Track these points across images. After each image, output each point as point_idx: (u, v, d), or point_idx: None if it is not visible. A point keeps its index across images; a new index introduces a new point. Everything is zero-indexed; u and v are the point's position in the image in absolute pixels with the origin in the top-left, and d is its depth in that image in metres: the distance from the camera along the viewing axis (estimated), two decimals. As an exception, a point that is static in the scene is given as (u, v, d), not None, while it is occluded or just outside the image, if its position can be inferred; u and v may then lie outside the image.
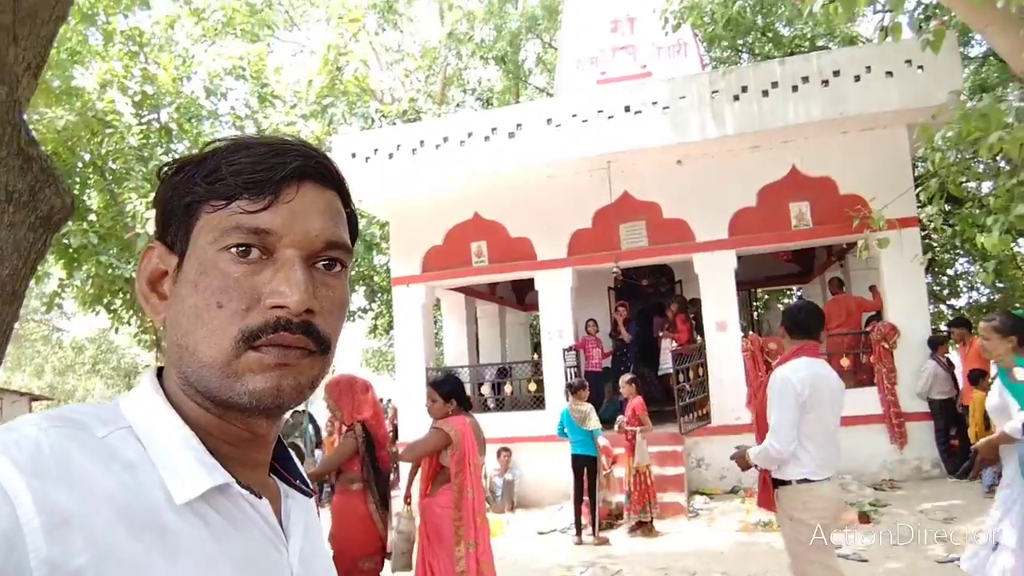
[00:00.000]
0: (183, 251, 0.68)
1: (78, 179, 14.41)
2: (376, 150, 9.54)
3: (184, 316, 0.66)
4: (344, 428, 3.89)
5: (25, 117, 2.82)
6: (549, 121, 8.91)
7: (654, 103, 8.62)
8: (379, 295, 17.75)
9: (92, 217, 14.45)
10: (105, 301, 15.81)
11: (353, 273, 17.59)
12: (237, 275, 0.65)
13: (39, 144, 2.53)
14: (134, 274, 11.45)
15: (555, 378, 9.38)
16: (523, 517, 8.66)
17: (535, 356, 11.89)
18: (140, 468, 0.61)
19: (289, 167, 0.66)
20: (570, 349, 9.47)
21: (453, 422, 3.93)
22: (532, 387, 9.84)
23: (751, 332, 10.32)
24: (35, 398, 12.33)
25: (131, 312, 17.25)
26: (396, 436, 11.31)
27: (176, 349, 0.67)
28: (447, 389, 4.03)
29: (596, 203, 9.39)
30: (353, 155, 9.65)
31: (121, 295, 15.94)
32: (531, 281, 10.06)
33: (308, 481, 0.82)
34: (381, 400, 13.82)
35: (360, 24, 15.76)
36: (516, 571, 6.24)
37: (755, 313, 15.48)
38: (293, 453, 0.81)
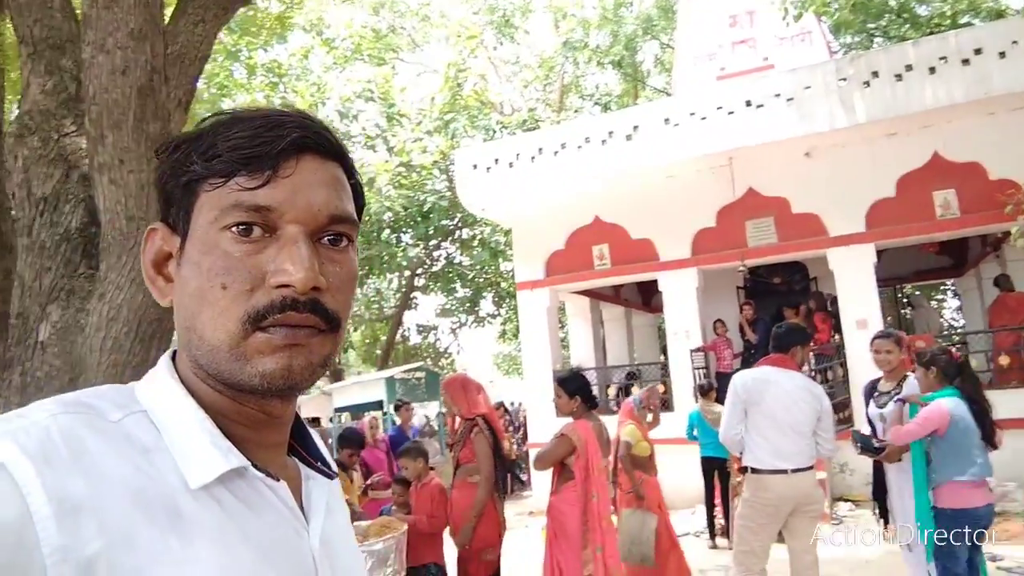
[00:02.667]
0: (185, 231, 0.66)
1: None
2: (496, 160, 9.80)
3: (189, 299, 0.65)
4: (461, 423, 4.09)
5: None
6: (667, 121, 8.82)
7: (777, 95, 8.33)
8: (506, 301, 18.14)
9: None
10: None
11: (481, 280, 18.10)
12: (239, 255, 0.63)
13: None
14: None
15: (682, 380, 9.23)
16: (654, 521, 8.57)
17: (663, 358, 11.75)
18: (155, 452, 0.61)
19: (287, 139, 0.64)
20: (698, 350, 9.29)
21: (577, 428, 3.98)
22: (659, 389, 9.73)
23: (898, 330, 9.72)
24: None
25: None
26: (526, 438, 11.53)
27: (185, 332, 0.66)
28: (572, 387, 4.12)
29: (719, 201, 9.19)
30: (474, 166, 9.95)
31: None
32: (657, 282, 9.97)
33: (330, 463, 0.79)
34: (513, 403, 14.08)
35: (478, 40, 16.22)
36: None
37: (904, 311, 14.49)
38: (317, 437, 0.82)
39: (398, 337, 19.73)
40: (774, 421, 3.96)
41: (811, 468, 4.01)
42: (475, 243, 15.82)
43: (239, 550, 0.60)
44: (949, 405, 3.78)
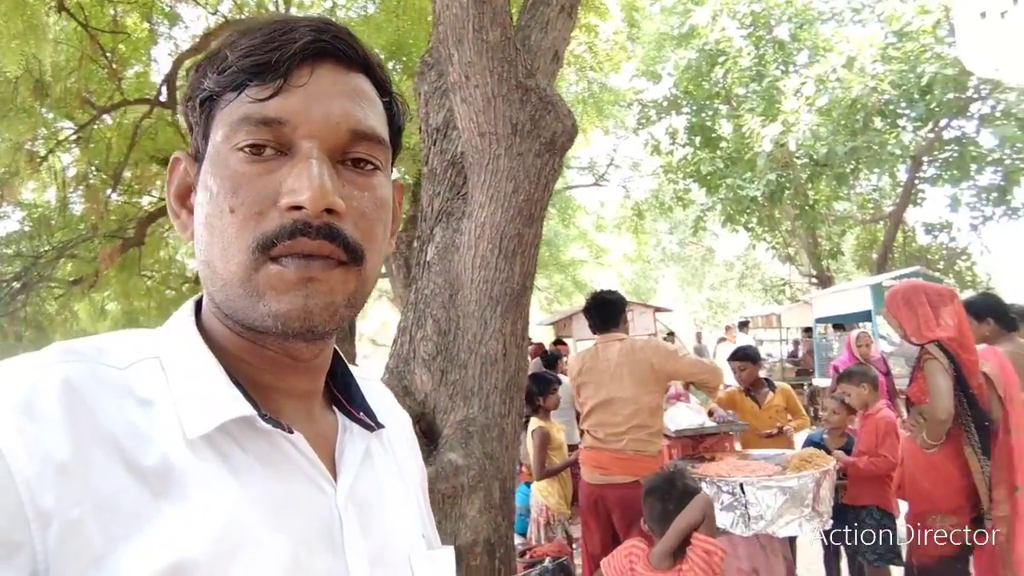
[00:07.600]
0: (203, 157, 0.61)
1: (709, 112, 15.64)
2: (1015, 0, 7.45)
3: (202, 228, 0.59)
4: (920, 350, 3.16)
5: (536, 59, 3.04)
6: None
7: None
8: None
9: (723, 144, 15.48)
10: (743, 220, 16.92)
11: (1011, 162, 14.45)
12: (249, 175, 0.57)
13: (536, 76, 2.69)
14: (756, 193, 11.60)
15: None
16: None
17: None
18: (156, 403, 0.56)
19: (299, 43, 0.58)
20: None
21: (987, 357, 3.19)
22: None
23: None
24: (658, 310, 14.05)
25: (764, 229, 18.06)
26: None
27: (202, 267, 0.60)
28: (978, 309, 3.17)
29: None
30: (982, 14, 7.77)
31: (756, 214, 16.81)
32: None
33: (374, 413, 0.72)
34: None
35: None
36: None
37: None
38: None
39: (901, 239, 17.24)
40: None
41: None
42: (997, 116, 12.53)
43: (242, 509, 0.55)
44: None
